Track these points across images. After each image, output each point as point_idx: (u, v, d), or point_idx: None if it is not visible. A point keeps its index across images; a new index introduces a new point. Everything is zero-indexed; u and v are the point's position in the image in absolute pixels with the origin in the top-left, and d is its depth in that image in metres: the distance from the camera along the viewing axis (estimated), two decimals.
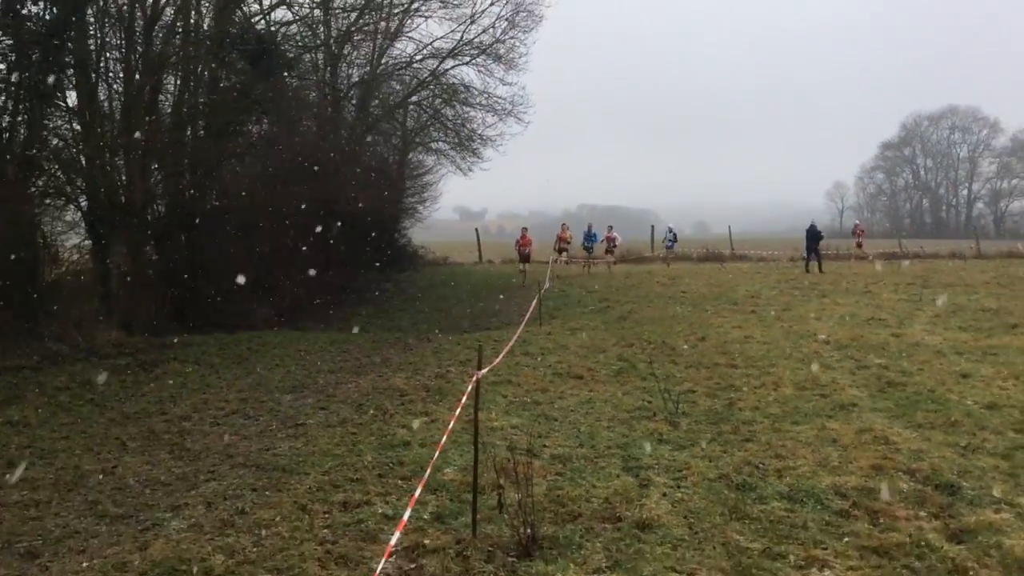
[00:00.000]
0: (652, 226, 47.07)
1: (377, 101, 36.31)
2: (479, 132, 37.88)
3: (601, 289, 25.85)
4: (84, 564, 5.76)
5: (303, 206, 23.03)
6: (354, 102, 34.95)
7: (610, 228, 34.31)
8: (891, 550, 5.81)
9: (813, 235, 31.43)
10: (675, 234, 37.50)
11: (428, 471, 5.99)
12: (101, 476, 7.98)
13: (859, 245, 39.85)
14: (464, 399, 7.21)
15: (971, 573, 5.45)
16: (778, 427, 9.12)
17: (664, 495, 6.92)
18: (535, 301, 18.98)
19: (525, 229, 31.85)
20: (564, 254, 32.59)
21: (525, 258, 30.48)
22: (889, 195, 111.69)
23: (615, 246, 34.14)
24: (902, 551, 5.79)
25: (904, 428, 8.96)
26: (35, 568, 5.80)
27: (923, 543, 5.89)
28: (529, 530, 5.86)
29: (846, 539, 6.02)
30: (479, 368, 6.52)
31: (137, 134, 18.11)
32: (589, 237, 33.64)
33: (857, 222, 43.98)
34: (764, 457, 7.97)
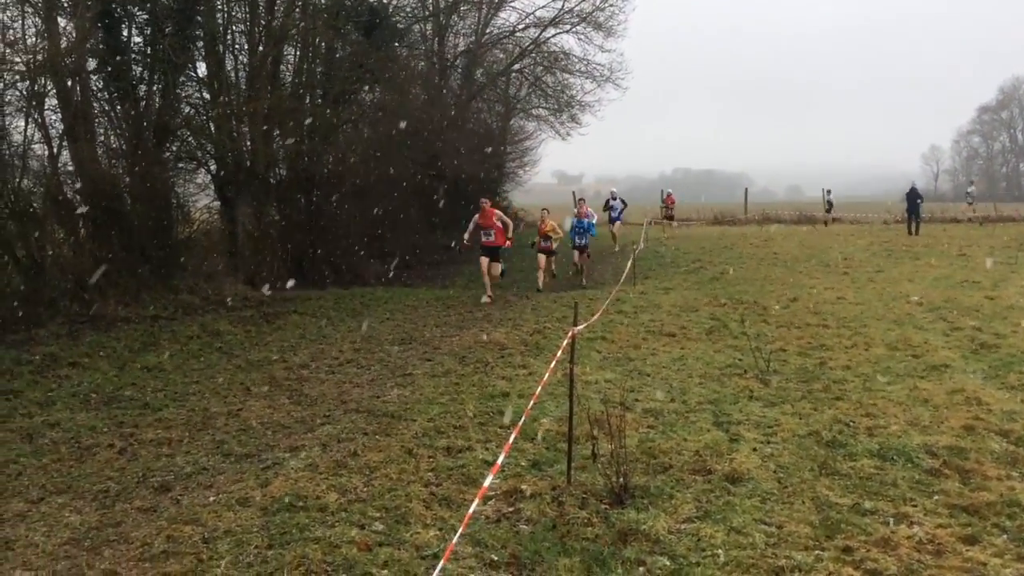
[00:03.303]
0: (746, 189, 45.86)
1: (481, 70, 36.23)
2: (578, 98, 37.51)
3: (694, 251, 25.39)
4: (211, 498, 5.98)
5: (412, 170, 23.25)
6: (460, 71, 34.94)
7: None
8: (981, 509, 5.55)
9: (915, 197, 30.23)
10: (622, 202, 27.48)
11: (523, 419, 5.99)
12: (227, 418, 8.26)
13: (669, 217, 35.66)
14: (560, 353, 7.17)
15: None
16: (869, 386, 8.82)
17: (754, 450, 6.77)
18: (629, 262, 18.77)
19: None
20: (551, 259, 19.13)
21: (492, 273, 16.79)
22: (985, 159, 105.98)
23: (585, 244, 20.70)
24: (992, 510, 5.53)
25: (997, 389, 8.55)
26: (167, 500, 6.04)
27: (1014, 503, 5.61)
28: (621, 479, 5.82)
29: (936, 497, 5.78)
30: (575, 324, 6.46)
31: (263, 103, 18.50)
32: (580, 232, 19.83)
33: (670, 191, 36.96)
34: (854, 415, 7.71)
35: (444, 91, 31.78)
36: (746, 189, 46.31)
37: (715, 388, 8.93)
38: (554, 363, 7.35)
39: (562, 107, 37.94)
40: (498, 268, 16.85)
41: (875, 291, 15.68)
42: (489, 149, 32.69)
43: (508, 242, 16.96)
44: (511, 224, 16.97)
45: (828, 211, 37.99)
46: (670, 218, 35.75)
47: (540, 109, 39.66)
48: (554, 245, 19.15)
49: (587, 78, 36.61)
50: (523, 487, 6.01)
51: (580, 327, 6.95)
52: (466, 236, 16.87)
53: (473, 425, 7.65)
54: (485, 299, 16.32)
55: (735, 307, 14.34)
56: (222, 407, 8.69)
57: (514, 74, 37.89)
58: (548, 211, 19.41)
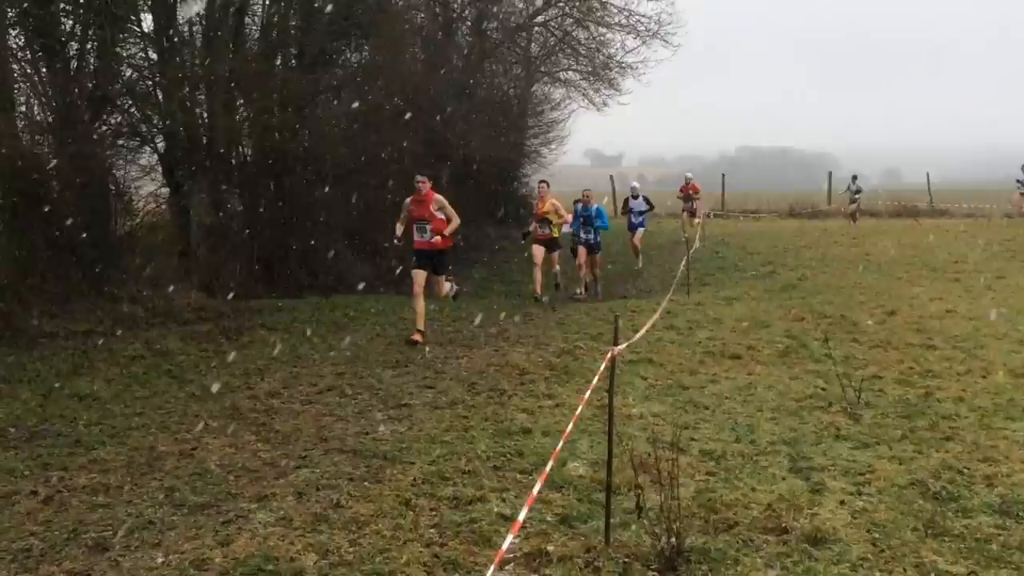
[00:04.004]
0: (830, 172, 45.78)
1: (496, 23, 36.25)
2: (617, 59, 37.44)
3: (765, 251, 25.33)
4: (159, 560, 6.00)
5: (408, 149, 23.29)
6: (469, 24, 35.00)
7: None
8: None
9: None
10: (646, 201, 25.10)
11: (550, 464, 6.00)
12: (178, 459, 8.30)
13: (690, 212, 32.33)
14: (596, 380, 7.17)
15: None
16: (988, 423, 8.77)
17: (842, 503, 6.75)
18: (683, 264, 18.74)
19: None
20: (553, 255, 18.86)
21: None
22: None
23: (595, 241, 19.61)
24: None
25: None
26: (104, 562, 6.07)
27: None
28: (674, 539, 5.80)
29: None
30: (615, 343, 6.45)
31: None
32: (586, 221, 19.25)
33: (689, 176, 33.41)
34: (969, 460, 7.67)
35: (449, 50, 31.85)
36: (830, 173, 46.10)
37: (792, 425, 8.91)
38: (588, 392, 7.35)
39: (597, 69, 37.90)
40: (445, 287, 14.80)
41: (995, 303, 15.57)
42: (505, 122, 32.75)
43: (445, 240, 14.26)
44: (456, 219, 14.21)
45: (853, 202, 36.86)
46: (692, 213, 32.44)
47: (570, 72, 39.69)
48: (556, 233, 18.13)
49: (629, 33, 36.54)
50: (549, 548, 6.00)
51: (621, 347, 6.95)
52: (398, 229, 14.11)
53: (486, 469, 7.66)
54: (415, 337, 13.70)
55: (817, 322, 14.28)
56: (172, 445, 8.73)
57: (537, 28, 37.92)
58: (547, 185, 18.52)
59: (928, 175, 42.50)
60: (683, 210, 32.43)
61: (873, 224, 34.13)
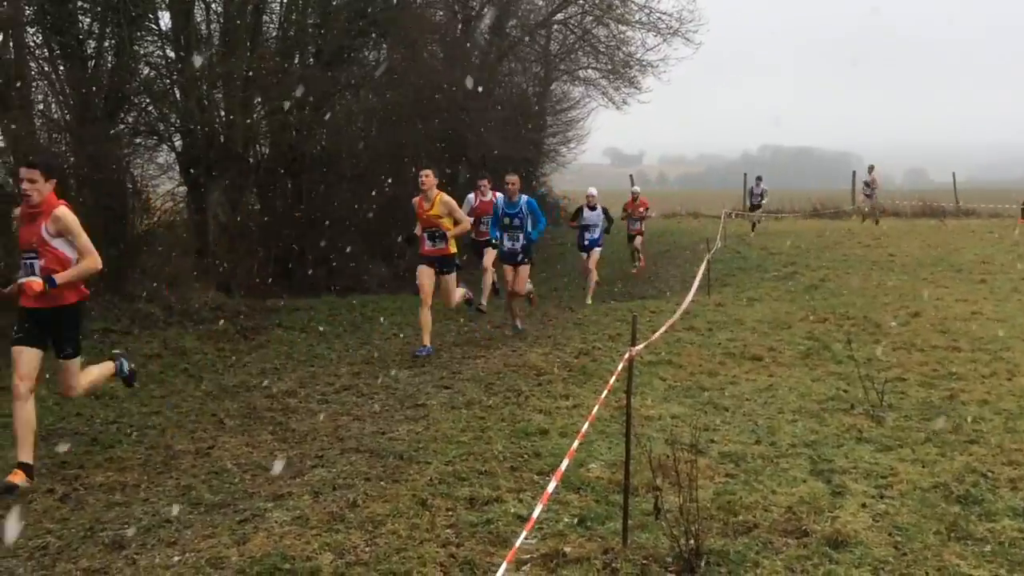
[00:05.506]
0: (853, 172, 45.57)
1: (515, 21, 36.24)
2: (637, 56, 37.38)
3: (786, 251, 25.24)
4: (175, 558, 6.04)
5: (426, 148, 23.32)
6: (488, 22, 35.01)
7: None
8: None
9: None
10: (604, 214, 19.85)
11: (566, 464, 6.00)
12: (195, 458, 8.35)
13: (636, 234, 25.15)
14: (613, 381, 7.17)
15: None
16: (1013, 426, 8.72)
17: (863, 506, 6.73)
18: (703, 264, 18.70)
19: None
20: (449, 279, 13.47)
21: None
22: None
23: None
24: None
25: None
26: (121, 560, 6.11)
27: None
28: (692, 541, 5.80)
29: None
30: (633, 344, 6.45)
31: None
32: (512, 224, 14.38)
33: (636, 189, 26.81)
34: (993, 464, 7.62)
35: (467, 48, 31.86)
36: (853, 172, 45.88)
37: (813, 427, 8.88)
38: (606, 393, 7.35)
39: (617, 67, 37.83)
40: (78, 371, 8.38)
41: (1021, 304, 15.50)
42: (524, 120, 32.75)
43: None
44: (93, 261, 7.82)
45: (756, 206, 34.53)
46: (636, 235, 25.26)
47: (589, 70, 39.65)
48: (451, 247, 13.34)
49: (649, 31, 36.46)
50: (566, 549, 6.01)
51: (639, 347, 6.95)
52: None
53: (503, 470, 7.67)
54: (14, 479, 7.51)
55: (839, 324, 14.24)
56: (189, 444, 8.79)
57: (556, 26, 37.89)
58: (431, 175, 12.92)
59: (954, 175, 42.30)
60: (630, 232, 25.52)
61: (897, 224, 33.97)
